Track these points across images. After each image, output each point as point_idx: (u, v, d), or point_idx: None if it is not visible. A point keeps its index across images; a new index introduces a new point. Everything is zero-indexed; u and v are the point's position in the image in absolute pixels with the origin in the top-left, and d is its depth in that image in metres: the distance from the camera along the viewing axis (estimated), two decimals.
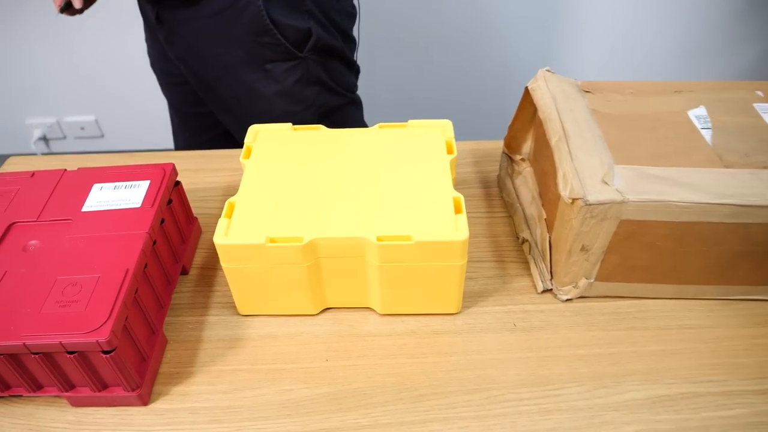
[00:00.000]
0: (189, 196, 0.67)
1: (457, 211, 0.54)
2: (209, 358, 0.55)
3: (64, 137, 2.06)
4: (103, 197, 0.59)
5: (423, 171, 0.59)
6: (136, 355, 0.51)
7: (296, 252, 0.52)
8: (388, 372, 0.54)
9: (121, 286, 0.49)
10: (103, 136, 2.06)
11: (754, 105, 0.62)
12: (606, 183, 0.51)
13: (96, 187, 0.60)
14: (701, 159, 0.55)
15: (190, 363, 0.55)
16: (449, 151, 0.61)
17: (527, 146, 0.71)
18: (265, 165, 0.61)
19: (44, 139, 2.07)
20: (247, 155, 0.62)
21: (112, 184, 0.60)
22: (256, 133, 0.65)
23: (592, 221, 0.52)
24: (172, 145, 1.14)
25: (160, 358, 0.55)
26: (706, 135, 0.58)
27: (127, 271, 0.50)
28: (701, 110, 0.61)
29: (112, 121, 2.02)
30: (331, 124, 0.66)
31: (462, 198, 0.55)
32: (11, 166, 0.81)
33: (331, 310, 0.59)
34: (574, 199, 0.51)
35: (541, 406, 0.51)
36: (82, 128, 2.03)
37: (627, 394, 0.52)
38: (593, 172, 0.53)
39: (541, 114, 0.61)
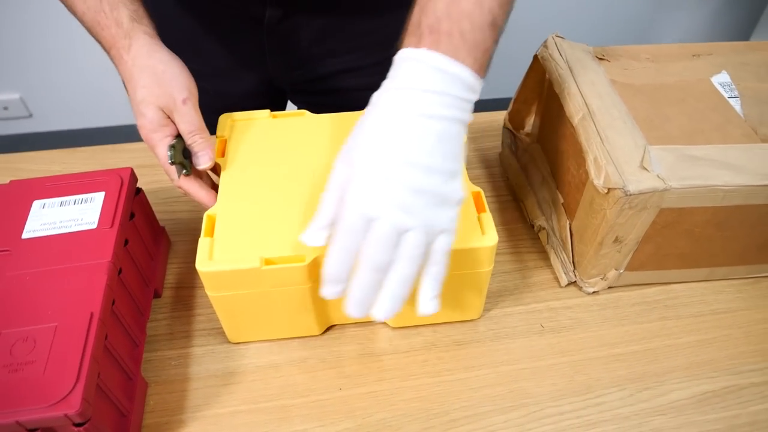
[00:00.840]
0: (149, 200, 0.57)
1: (480, 209, 0.47)
2: (201, 400, 0.47)
3: None
4: (47, 218, 0.48)
5: None
6: (114, 415, 0.42)
7: (299, 274, 0.44)
8: (412, 396, 0.47)
9: (87, 336, 0.39)
10: (31, 116, 1.82)
11: None
12: (645, 169, 0.46)
13: (36, 204, 0.49)
14: (737, 134, 0.50)
15: (179, 409, 0.47)
16: None
17: (531, 120, 0.65)
18: (246, 164, 0.51)
19: None
20: (222, 152, 0.53)
21: (57, 200, 0.49)
22: (229, 124, 0.55)
23: (630, 212, 0.46)
24: (110, 123, 0.97)
25: (142, 409, 0.46)
26: (735, 105, 0.53)
27: (92, 315, 0.41)
28: (724, 76, 0.56)
29: (41, 99, 1.79)
30: None
31: (482, 192, 0.48)
32: None
33: (336, 327, 0.52)
34: (610, 189, 0.46)
35: (585, 419, 0.46)
36: (6, 108, 1.79)
37: (671, 394, 0.48)
38: (629, 156, 0.47)
39: (557, 87, 0.54)
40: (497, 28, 0.39)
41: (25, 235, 0.46)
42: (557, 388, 0.48)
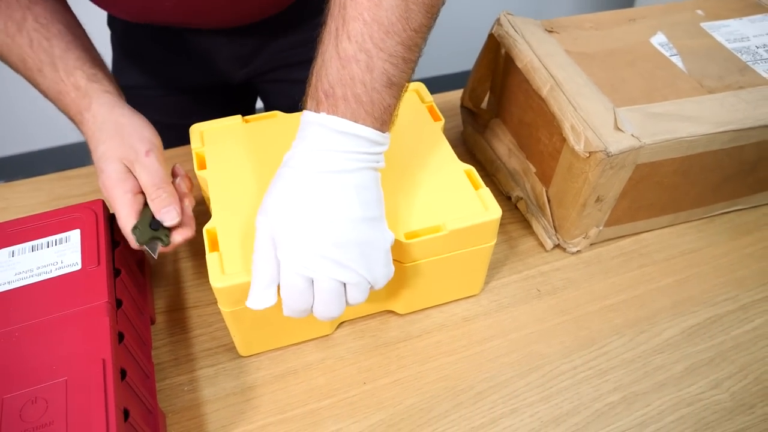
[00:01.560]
0: None
1: (476, 185, 0.49)
2: (226, 420, 0.46)
3: None
4: (21, 266, 0.44)
5: (415, 145, 0.52)
6: None
7: None
8: (436, 377, 0.48)
9: (105, 385, 0.37)
10: None
11: (701, 25, 0.63)
12: (620, 129, 0.49)
13: (3, 253, 0.45)
14: (687, 88, 0.55)
15: None
16: (435, 118, 0.55)
17: (487, 96, 0.67)
18: (231, 172, 0.49)
19: None
20: (202, 165, 0.50)
21: (28, 245, 0.45)
22: (201, 134, 0.53)
23: (610, 172, 0.50)
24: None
25: None
26: (678, 62, 0.58)
27: (104, 361, 0.38)
28: (661, 37, 0.61)
29: None
30: None
31: (474, 169, 0.50)
32: None
33: (346, 323, 0.52)
34: (591, 152, 0.49)
35: (596, 369, 0.49)
36: None
37: (664, 333, 0.52)
38: (602, 120, 0.50)
39: (519, 62, 0.56)
40: (396, 85, 0.39)
41: (0, 289, 0.42)
42: (565, 346, 0.51)
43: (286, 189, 0.39)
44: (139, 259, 0.53)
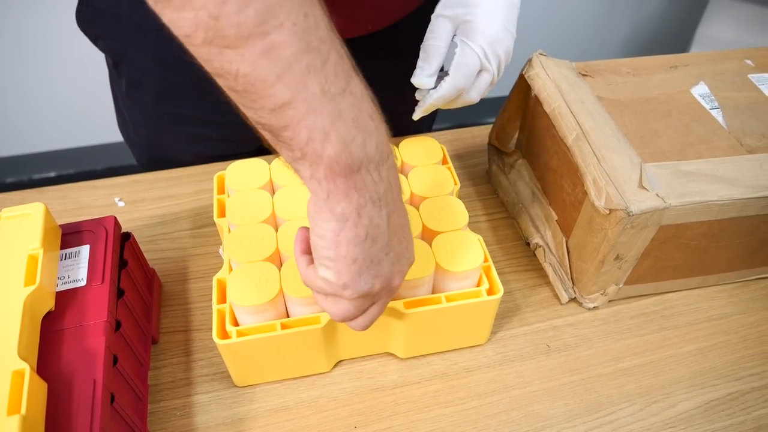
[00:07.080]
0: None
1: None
2: None
3: None
4: None
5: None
6: None
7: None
8: (429, 428, 0.47)
9: (92, 406, 0.37)
10: None
11: (749, 76, 0.59)
12: (644, 188, 0.47)
13: None
14: (724, 146, 0.51)
15: None
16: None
17: (515, 136, 0.65)
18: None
19: None
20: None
21: None
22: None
23: (631, 231, 0.47)
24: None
25: None
26: (718, 116, 0.54)
27: (95, 382, 0.38)
28: (703, 87, 0.57)
29: None
30: None
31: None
32: None
33: (344, 362, 0.51)
34: (611, 210, 0.46)
35: None
36: None
37: (679, 405, 0.49)
38: (626, 176, 0.47)
39: (547, 107, 0.54)
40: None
41: None
42: (570, 409, 0.48)
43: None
44: (149, 279, 0.54)
